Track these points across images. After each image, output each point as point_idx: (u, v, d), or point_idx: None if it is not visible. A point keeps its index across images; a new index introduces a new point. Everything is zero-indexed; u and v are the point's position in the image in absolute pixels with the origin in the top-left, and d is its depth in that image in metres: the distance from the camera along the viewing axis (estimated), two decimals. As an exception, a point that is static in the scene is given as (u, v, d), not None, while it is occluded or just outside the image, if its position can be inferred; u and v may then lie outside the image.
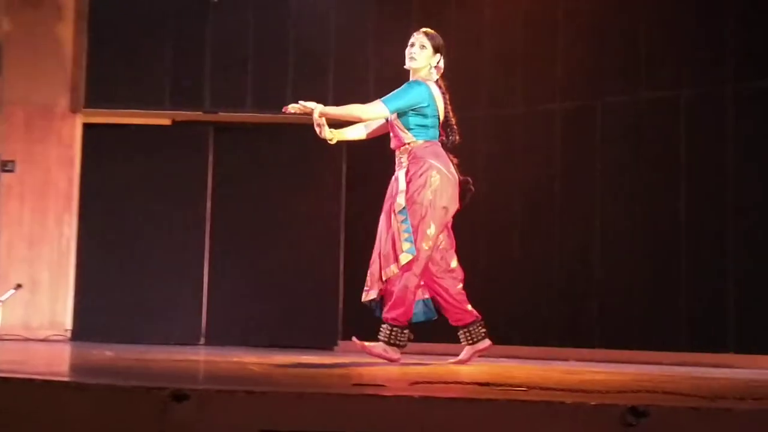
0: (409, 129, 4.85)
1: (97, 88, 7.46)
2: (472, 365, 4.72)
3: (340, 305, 7.33)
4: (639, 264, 6.22)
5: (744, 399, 2.67)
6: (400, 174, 4.83)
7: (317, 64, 7.31)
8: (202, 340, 7.45)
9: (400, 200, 4.75)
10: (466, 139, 4.92)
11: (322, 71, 7.29)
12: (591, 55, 6.44)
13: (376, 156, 7.36)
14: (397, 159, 4.90)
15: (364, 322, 7.19)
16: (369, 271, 4.84)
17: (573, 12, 6.44)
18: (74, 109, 7.56)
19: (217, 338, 7.34)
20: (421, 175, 4.76)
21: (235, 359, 4.77)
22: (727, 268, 5.92)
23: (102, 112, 7.59)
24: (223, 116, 7.51)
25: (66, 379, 2.90)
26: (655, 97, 6.26)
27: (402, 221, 4.72)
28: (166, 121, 7.70)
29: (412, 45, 4.90)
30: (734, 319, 5.87)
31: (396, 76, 7.04)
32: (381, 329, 4.78)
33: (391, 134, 4.93)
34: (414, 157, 4.81)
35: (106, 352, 5.03)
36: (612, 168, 6.39)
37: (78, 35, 7.55)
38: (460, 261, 4.87)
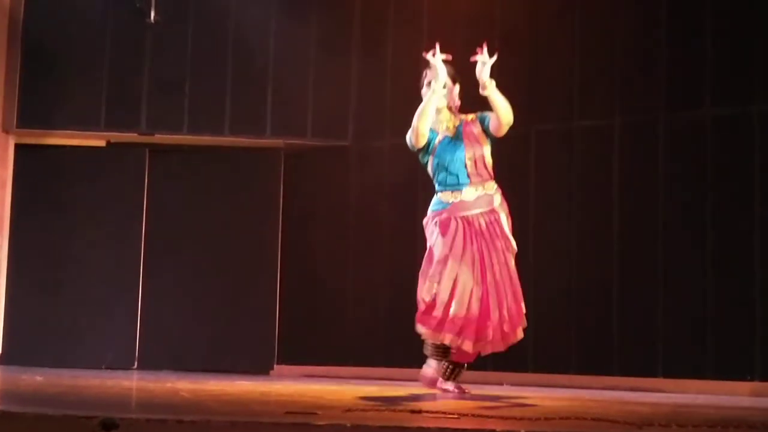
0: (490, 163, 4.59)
1: (31, 108, 7.33)
2: (406, 391, 4.73)
3: (276, 329, 7.30)
4: (569, 290, 6.32)
5: (669, 425, 2.73)
6: (502, 215, 4.52)
7: (255, 88, 7.29)
8: (136, 365, 7.35)
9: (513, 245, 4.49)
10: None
11: (260, 96, 7.27)
12: (524, 85, 6.52)
13: (313, 181, 7.41)
14: (479, 193, 4.53)
15: (300, 347, 7.21)
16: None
17: (509, 37, 6.50)
18: (6, 130, 7.42)
19: (151, 363, 7.24)
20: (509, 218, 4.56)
21: (168, 385, 4.72)
22: (658, 294, 6.05)
23: (35, 133, 7.47)
24: (159, 138, 7.44)
25: (-7, 407, 2.85)
26: (588, 125, 6.41)
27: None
28: (101, 143, 7.60)
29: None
30: (662, 344, 6.00)
31: (334, 103, 7.11)
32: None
33: (476, 167, 4.53)
34: (502, 198, 4.57)
35: (37, 377, 4.95)
36: (548, 191, 6.50)
37: (11, 54, 7.42)
38: None
